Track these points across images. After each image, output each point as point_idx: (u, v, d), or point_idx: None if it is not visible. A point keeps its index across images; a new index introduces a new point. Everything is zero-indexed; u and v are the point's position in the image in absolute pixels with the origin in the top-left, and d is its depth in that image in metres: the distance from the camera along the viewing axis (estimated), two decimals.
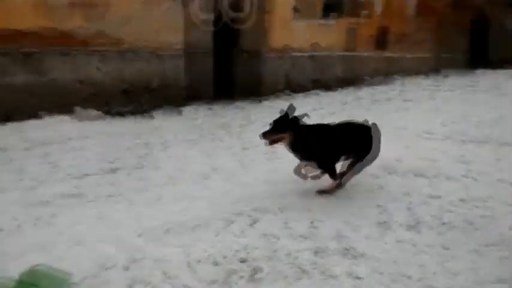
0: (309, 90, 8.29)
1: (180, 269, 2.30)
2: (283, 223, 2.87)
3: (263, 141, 3.06)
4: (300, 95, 8.14)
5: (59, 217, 2.88)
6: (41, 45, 5.27)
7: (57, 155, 4.18)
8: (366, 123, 3.35)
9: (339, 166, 3.35)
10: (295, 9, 7.95)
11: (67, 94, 5.50)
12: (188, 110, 6.39)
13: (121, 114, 5.92)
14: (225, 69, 7.43)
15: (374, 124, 3.35)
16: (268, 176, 3.69)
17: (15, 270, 1.95)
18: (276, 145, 3.14)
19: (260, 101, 7.48)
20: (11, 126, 4.98)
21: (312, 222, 2.88)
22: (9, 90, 5.12)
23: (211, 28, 6.84)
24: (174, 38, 6.32)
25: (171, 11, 6.20)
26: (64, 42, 5.40)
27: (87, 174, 3.72)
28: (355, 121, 3.50)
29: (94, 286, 2.14)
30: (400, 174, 3.85)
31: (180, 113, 6.24)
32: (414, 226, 2.86)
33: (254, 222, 2.87)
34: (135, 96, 6.08)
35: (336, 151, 3.22)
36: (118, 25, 5.74)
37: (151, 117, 6.00)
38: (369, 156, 3.26)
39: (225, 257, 2.43)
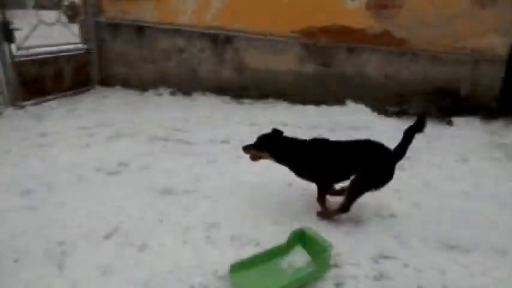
0: None
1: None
2: None
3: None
4: None
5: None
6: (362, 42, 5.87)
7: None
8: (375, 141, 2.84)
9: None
10: None
11: (376, 88, 5.98)
12: (494, 124, 5.53)
13: (415, 115, 5.79)
14: None
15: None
16: None
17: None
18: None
19: None
20: (323, 109, 5.93)
21: None
22: (310, 78, 6.07)
23: None
24: (498, 41, 5.60)
25: (503, 10, 5.48)
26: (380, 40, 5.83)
27: None
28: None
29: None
30: None
31: (485, 124, 5.55)
32: None
33: None
34: (436, 99, 5.87)
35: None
36: (439, 25, 5.64)
37: (450, 123, 5.61)
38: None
39: None
